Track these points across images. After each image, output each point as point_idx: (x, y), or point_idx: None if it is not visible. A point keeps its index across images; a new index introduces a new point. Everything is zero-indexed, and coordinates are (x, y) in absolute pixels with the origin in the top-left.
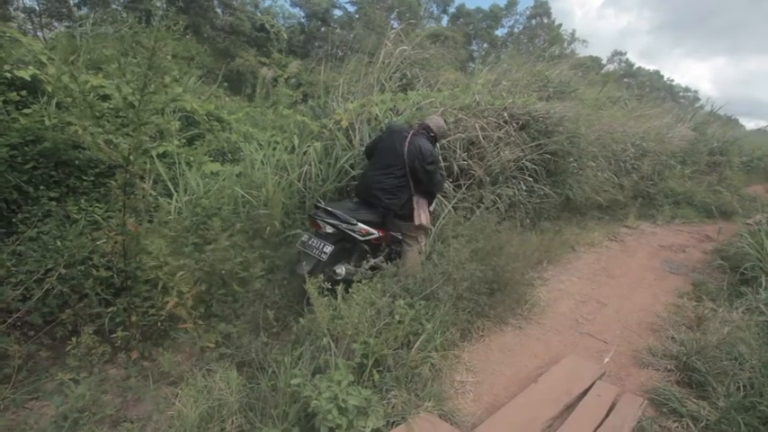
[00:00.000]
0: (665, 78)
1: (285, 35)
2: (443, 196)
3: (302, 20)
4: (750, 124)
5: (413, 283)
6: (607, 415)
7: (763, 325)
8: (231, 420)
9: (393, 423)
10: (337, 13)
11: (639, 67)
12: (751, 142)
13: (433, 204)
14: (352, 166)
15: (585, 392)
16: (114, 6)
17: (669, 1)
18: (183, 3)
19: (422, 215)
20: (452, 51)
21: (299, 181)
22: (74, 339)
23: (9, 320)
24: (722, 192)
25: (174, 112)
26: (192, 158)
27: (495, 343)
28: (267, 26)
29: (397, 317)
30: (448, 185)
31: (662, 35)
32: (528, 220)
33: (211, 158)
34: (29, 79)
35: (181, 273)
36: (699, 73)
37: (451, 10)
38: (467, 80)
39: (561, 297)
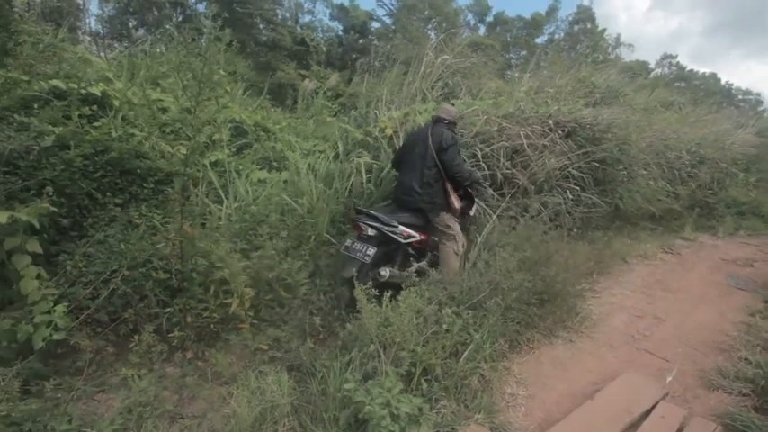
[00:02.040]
0: (723, 82)
1: (324, 48)
2: (486, 204)
3: (340, 33)
4: None
5: (458, 291)
6: None
7: None
8: (284, 422)
9: None
10: (375, 25)
11: (692, 70)
12: None
13: (474, 209)
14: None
15: (648, 413)
16: (167, 26)
17: (724, 0)
18: (228, 21)
19: (455, 201)
20: (491, 61)
21: (345, 190)
22: (136, 337)
23: (81, 317)
24: None
25: (225, 122)
26: (240, 167)
27: (545, 356)
28: (307, 40)
29: (444, 326)
30: (491, 192)
31: (717, 37)
32: (575, 230)
33: (259, 167)
34: (99, 95)
35: (243, 276)
36: (762, 75)
37: (488, 19)
38: (508, 88)
39: (614, 310)
